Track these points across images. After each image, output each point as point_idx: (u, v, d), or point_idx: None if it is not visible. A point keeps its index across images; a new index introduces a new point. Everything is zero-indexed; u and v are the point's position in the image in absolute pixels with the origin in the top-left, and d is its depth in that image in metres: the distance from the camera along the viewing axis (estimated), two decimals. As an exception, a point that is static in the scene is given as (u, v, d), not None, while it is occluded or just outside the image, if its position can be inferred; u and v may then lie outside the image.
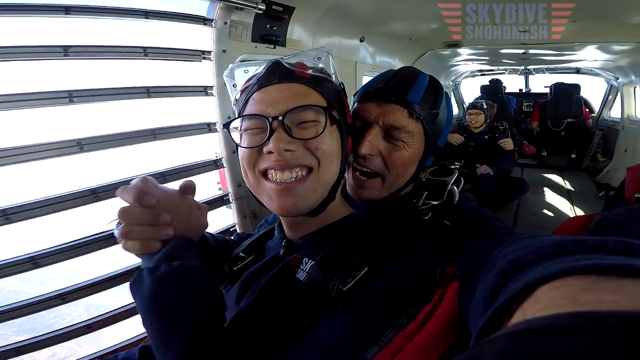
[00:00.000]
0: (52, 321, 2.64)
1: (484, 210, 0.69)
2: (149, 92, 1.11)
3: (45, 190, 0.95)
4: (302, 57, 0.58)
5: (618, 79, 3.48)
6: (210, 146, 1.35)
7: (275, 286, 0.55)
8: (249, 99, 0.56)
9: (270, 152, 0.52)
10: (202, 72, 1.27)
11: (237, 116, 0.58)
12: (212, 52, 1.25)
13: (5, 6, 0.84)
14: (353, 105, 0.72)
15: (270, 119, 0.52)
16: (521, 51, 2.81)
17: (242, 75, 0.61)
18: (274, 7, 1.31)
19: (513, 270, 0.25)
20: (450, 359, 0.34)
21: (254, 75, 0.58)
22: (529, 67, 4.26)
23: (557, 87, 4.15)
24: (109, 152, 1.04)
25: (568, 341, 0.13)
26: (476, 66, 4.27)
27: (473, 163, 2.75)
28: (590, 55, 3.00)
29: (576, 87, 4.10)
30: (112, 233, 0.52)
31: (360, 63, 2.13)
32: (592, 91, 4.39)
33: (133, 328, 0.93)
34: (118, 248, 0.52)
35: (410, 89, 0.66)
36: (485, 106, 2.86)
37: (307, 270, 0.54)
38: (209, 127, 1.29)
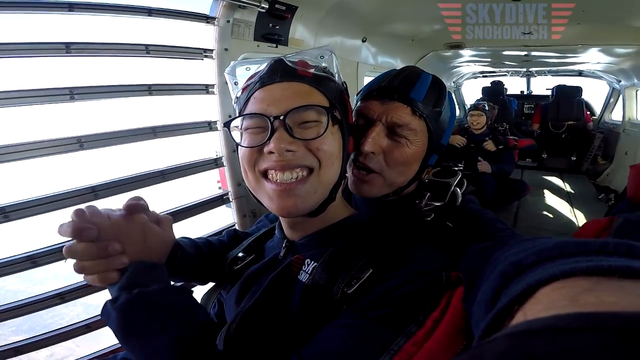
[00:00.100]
0: (51, 321, 2.64)
1: (487, 212, 0.69)
2: (150, 89, 1.11)
3: (44, 188, 0.95)
4: (305, 55, 0.57)
5: (620, 81, 3.48)
6: (211, 145, 1.35)
7: (276, 288, 0.55)
8: (250, 97, 0.55)
9: (270, 152, 0.51)
10: (204, 70, 1.27)
11: (238, 115, 0.57)
12: (214, 51, 1.25)
13: (10, 3, 0.84)
14: (356, 104, 0.72)
15: (271, 119, 0.51)
16: (523, 53, 2.80)
17: (244, 72, 0.60)
18: (276, 5, 1.31)
19: (514, 272, 0.25)
20: (452, 358, 0.34)
21: (255, 73, 0.57)
22: (531, 70, 4.26)
23: (559, 90, 4.15)
24: (109, 150, 1.03)
25: (569, 342, 0.13)
26: (478, 68, 4.26)
27: (474, 165, 2.74)
28: (593, 58, 3.00)
29: (578, 90, 4.10)
30: None
31: (362, 63, 2.13)
32: (594, 94, 4.39)
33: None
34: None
35: (413, 87, 0.66)
36: (487, 108, 2.86)
37: (309, 272, 0.53)
38: (209, 126, 1.29)
